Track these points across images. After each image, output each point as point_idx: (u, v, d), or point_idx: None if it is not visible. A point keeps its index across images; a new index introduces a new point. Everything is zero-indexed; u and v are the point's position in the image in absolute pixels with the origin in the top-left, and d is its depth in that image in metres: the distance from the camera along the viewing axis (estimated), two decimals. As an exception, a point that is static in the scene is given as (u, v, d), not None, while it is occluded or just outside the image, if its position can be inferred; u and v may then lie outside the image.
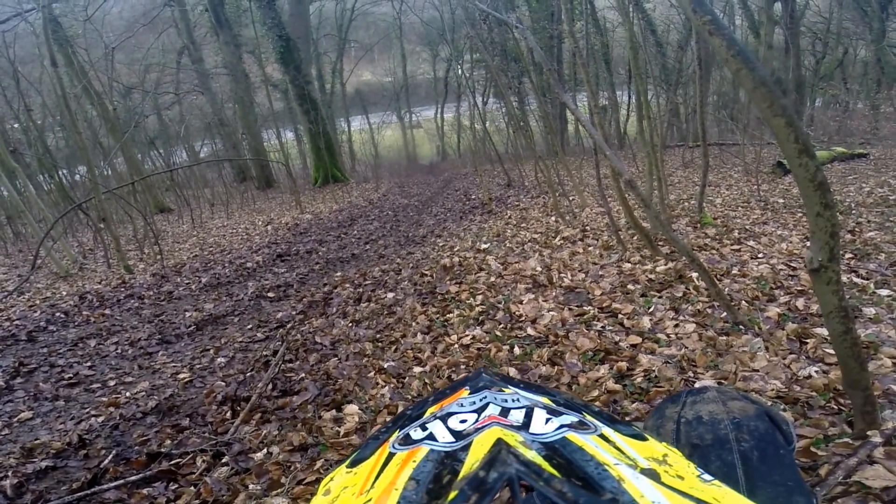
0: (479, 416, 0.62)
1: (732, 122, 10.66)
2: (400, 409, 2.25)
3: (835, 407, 1.77)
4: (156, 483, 1.95)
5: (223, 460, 2.06)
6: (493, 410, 0.62)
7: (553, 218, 6.25)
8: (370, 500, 0.48)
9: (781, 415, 1.11)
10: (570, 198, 7.11)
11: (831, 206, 1.26)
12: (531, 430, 0.55)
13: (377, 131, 29.47)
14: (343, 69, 26.55)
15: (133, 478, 1.97)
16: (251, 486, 1.85)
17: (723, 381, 2.05)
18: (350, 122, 28.40)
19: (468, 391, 0.72)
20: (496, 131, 14.19)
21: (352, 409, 2.33)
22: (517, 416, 0.60)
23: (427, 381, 2.49)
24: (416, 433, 0.61)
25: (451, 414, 0.64)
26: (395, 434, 0.64)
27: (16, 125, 13.56)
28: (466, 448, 0.52)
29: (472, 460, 0.48)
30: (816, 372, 2.00)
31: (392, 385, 2.53)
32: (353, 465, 0.62)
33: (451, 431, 0.59)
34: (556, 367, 2.43)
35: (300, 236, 8.22)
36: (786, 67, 11.46)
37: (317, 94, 18.64)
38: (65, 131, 13.69)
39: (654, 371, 2.19)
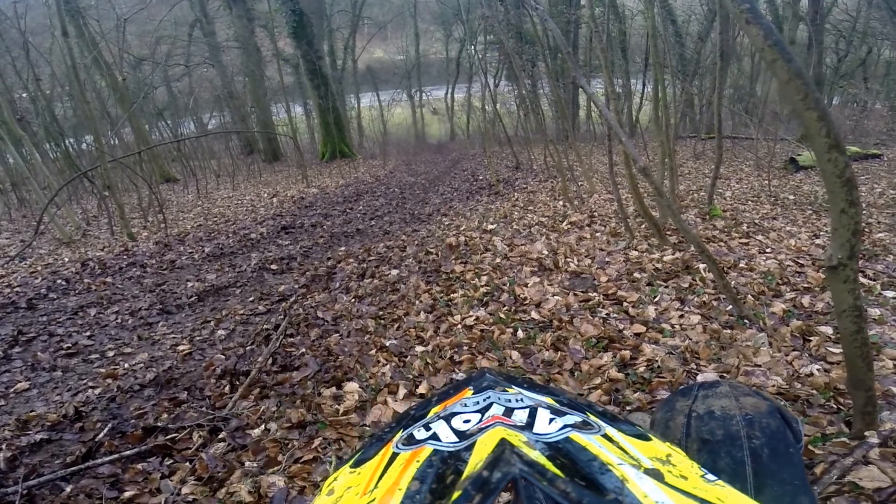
0: (482, 416, 0.62)
1: (747, 115, 10.55)
2: (401, 388, 2.25)
3: (834, 406, 1.77)
4: (151, 458, 1.94)
5: (220, 436, 2.05)
6: (496, 410, 0.63)
7: (561, 202, 6.20)
8: (373, 500, 0.49)
9: (791, 413, 1.09)
10: (579, 183, 7.06)
11: (857, 203, 1.23)
12: (535, 430, 0.55)
13: (387, 109, 29.30)
14: (355, 46, 26.33)
15: (128, 452, 1.96)
16: (247, 464, 1.84)
17: (725, 374, 2.04)
18: (360, 98, 28.24)
19: (472, 391, 0.73)
20: (506, 114, 14.06)
21: (352, 386, 2.32)
22: (521, 416, 0.60)
23: (429, 360, 2.47)
24: (420, 433, 0.62)
25: (454, 414, 0.64)
26: (399, 434, 0.65)
27: (24, 94, 13.50)
28: (470, 448, 0.52)
29: (476, 460, 0.48)
30: (818, 370, 1.99)
31: (393, 364, 2.51)
32: (357, 465, 0.63)
33: (455, 431, 0.59)
34: (559, 352, 2.41)
35: (305, 210, 8.20)
36: (807, 64, 11.29)
37: (328, 69, 18.51)
38: (73, 101, 13.62)
39: (657, 361, 2.18)
